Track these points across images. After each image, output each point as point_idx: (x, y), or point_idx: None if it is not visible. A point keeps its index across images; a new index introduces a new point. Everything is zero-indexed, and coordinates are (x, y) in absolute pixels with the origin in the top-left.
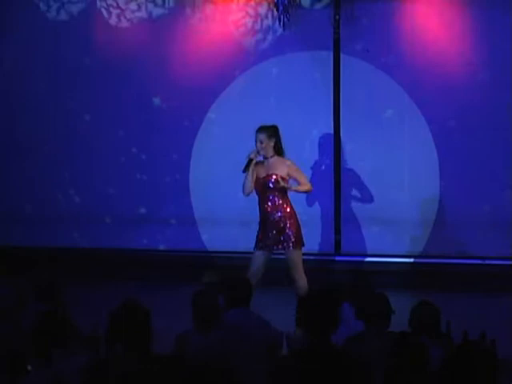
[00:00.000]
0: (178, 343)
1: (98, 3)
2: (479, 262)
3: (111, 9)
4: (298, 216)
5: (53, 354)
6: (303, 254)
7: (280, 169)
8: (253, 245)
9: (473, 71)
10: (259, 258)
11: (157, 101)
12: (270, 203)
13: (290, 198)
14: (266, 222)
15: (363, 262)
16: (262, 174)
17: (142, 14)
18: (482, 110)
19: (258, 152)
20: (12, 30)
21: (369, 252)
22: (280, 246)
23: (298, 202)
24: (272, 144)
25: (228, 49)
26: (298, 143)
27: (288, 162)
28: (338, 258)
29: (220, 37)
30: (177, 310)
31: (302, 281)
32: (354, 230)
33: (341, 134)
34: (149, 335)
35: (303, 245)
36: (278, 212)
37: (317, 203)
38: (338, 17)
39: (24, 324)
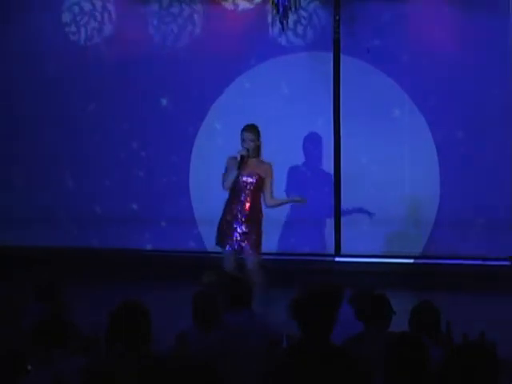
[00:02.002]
0: (177, 343)
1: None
2: (479, 262)
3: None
4: (262, 221)
5: (53, 354)
6: (303, 255)
7: (261, 169)
8: None
9: (474, 68)
10: (230, 258)
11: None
12: (241, 202)
13: (260, 202)
14: (232, 220)
15: (363, 262)
16: (244, 172)
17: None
18: (483, 109)
19: (248, 150)
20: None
21: (369, 252)
22: (240, 247)
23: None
24: (258, 144)
25: (228, 50)
26: (298, 143)
27: (266, 165)
28: (337, 259)
29: (220, 38)
30: (177, 309)
31: (260, 278)
32: (354, 231)
33: (341, 134)
34: (149, 335)
35: (260, 251)
36: (245, 213)
37: (317, 203)
38: (338, 17)
39: (24, 324)
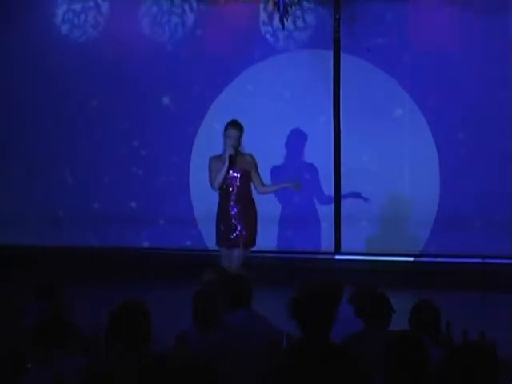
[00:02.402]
0: (177, 343)
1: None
2: (479, 261)
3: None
4: (257, 216)
5: (53, 354)
6: (303, 253)
7: (244, 162)
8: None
9: (474, 68)
10: (228, 257)
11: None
12: (232, 199)
13: (253, 197)
14: (226, 217)
15: (363, 260)
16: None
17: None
18: (483, 108)
19: (233, 147)
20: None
21: (369, 251)
22: (231, 243)
23: (299, 200)
24: (240, 139)
25: (228, 48)
26: (298, 142)
27: (248, 157)
28: (337, 257)
29: (220, 37)
30: (177, 309)
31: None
32: (354, 230)
33: (341, 134)
34: (149, 335)
35: (253, 245)
36: (237, 208)
37: (317, 202)
38: (338, 16)
39: (24, 324)
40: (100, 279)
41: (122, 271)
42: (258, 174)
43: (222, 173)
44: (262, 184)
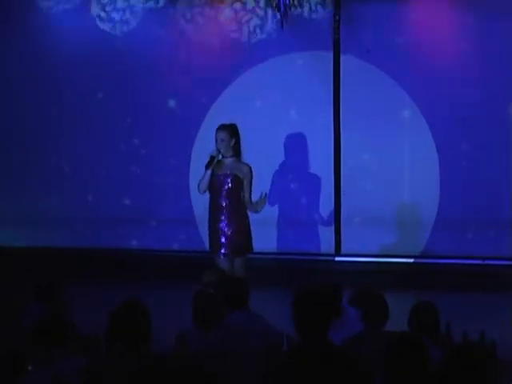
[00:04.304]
0: (177, 343)
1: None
2: (479, 261)
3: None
4: (249, 222)
5: (53, 354)
6: (304, 254)
7: (239, 170)
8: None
9: (473, 69)
10: (223, 262)
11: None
12: (221, 204)
13: (242, 202)
14: (217, 223)
15: (363, 262)
16: (219, 173)
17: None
18: (482, 106)
19: (219, 151)
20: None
21: (369, 252)
22: (227, 251)
23: (299, 202)
24: (232, 143)
25: (228, 49)
26: (298, 143)
27: (244, 166)
28: (338, 258)
29: (220, 37)
30: (177, 309)
31: None
32: (354, 230)
33: (341, 135)
34: (149, 335)
35: (249, 252)
36: (227, 214)
37: (317, 203)
38: (338, 17)
39: (24, 324)
40: (100, 279)
41: (121, 271)
42: (249, 187)
43: (206, 176)
44: (251, 201)
